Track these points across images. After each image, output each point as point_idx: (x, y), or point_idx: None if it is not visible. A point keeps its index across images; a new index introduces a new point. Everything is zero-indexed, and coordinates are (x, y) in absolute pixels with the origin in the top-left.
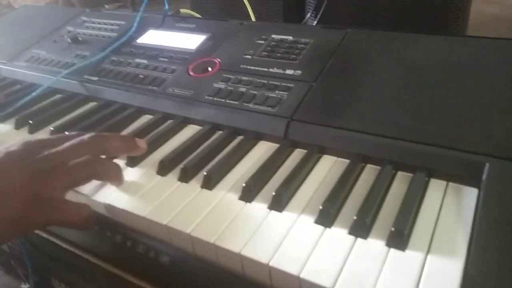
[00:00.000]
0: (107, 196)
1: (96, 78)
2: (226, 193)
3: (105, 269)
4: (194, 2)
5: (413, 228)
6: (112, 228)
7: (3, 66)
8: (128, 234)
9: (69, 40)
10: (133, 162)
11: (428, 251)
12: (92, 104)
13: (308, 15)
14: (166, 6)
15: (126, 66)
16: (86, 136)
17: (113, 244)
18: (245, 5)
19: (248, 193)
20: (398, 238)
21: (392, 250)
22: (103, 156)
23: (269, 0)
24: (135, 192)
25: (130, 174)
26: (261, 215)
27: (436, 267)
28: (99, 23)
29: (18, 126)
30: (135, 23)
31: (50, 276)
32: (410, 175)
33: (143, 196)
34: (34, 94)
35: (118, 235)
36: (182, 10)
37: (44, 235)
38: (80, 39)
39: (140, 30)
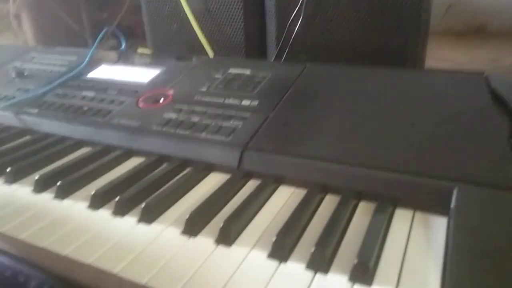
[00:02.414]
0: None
1: (36, 111)
2: (167, 227)
3: None
4: (155, 42)
5: (379, 261)
6: (25, 273)
7: None
8: (43, 279)
9: (13, 75)
10: (62, 194)
11: (396, 287)
12: (27, 138)
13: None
14: (123, 44)
15: (71, 99)
16: None
17: None
18: (203, 44)
19: (192, 226)
20: (362, 272)
21: (356, 285)
22: None
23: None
24: (60, 228)
25: (58, 208)
26: (206, 251)
27: None
28: (49, 59)
29: None
30: (87, 58)
31: None
32: (373, 204)
33: (68, 233)
34: None
35: (32, 281)
36: (140, 50)
37: None
38: (25, 73)
39: (93, 66)
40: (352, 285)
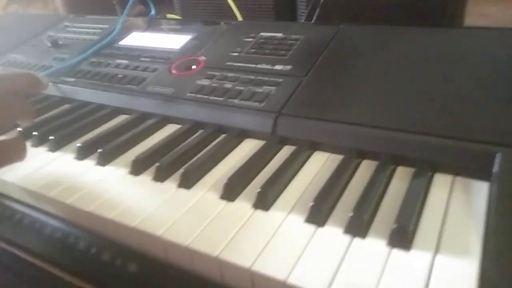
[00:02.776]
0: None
1: (72, 79)
2: (206, 192)
3: (68, 282)
4: (182, 8)
5: (418, 226)
6: (74, 235)
7: None
8: (91, 240)
9: (49, 44)
10: (104, 161)
11: (436, 251)
12: (66, 106)
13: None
14: (152, 11)
15: (105, 67)
16: None
17: (77, 253)
18: (232, 8)
19: (230, 191)
20: (402, 236)
21: (394, 250)
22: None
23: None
24: (103, 193)
25: (101, 173)
26: (244, 215)
27: (446, 268)
28: (82, 27)
29: None
30: (118, 25)
31: None
32: (412, 169)
33: (112, 198)
34: None
35: (81, 242)
36: (169, 15)
37: (3, 244)
38: (60, 42)
39: (124, 33)
40: (391, 250)
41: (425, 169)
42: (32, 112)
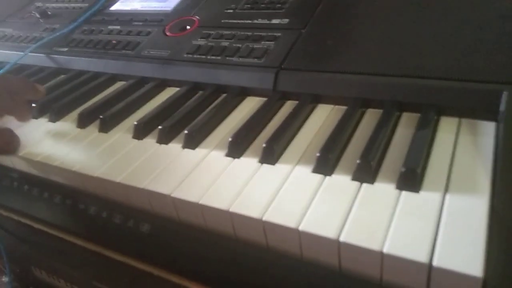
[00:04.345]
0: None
1: (66, 49)
2: (211, 151)
3: (82, 247)
4: None
5: (426, 168)
6: (84, 201)
7: None
8: (102, 205)
9: (38, 15)
10: (106, 127)
11: (446, 191)
12: (62, 77)
13: None
14: None
15: (98, 34)
16: None
17: (88, 218)
18: None
19: (235, 149)
20: (410, 178)
21: (404, 192)
22: None
23: None
24: (109, 157)
25: (104, 139)
26: (252, 170)
27: (457, 206)
28: None
29: None
30: None
31: (30, 265)
32: (417, 115)
33: (118, 162)
34: (1, 71)
35: (91, 207)
36: None
37: (15, 217)
38: (49, 13)
39: None
40: (400, 193)
41: (431, 113)
42: (27, 112)
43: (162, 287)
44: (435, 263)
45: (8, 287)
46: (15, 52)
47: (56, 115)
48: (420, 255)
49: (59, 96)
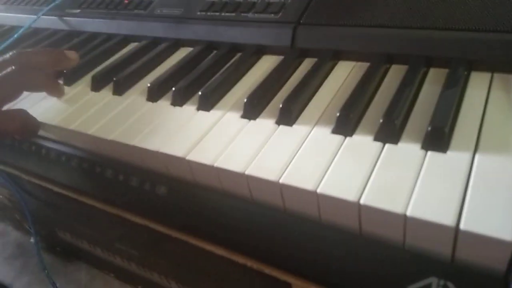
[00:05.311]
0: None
1: (78, 11)
2: (226, 112)
3: (102, 210)
4: None
5: (454, 127)
6: (100, 164)
7: None
8: (118, 168)
9: None
10: (119, 89)
11: (475, 151)
12: (75, 40)
13: None
14: None
15: None
16: (8, 54)
17: (105, 181)
18: None
19: (251, 109)
20: (437, 138)
21: (430, 153)
22: None
23: None
24: (123, 121)
25: (118, 102)
26: (268, 132)
27: (487, 167)
28: None
29: None
30: None
31: (54, 227)
32: (445, 70)
33: (132, 125)
34: (15, 36)
35: (108, 170)
36: None
37: (36, 181)
38: None
39: None
40: (426, 153)
41: (460, 68)
42: (55, 87)
43: (181, 248)
44: (462, 226)
45: (36, 248)
46: (28, 16)
47: (70, 79)
48: (446, 218)
49: None
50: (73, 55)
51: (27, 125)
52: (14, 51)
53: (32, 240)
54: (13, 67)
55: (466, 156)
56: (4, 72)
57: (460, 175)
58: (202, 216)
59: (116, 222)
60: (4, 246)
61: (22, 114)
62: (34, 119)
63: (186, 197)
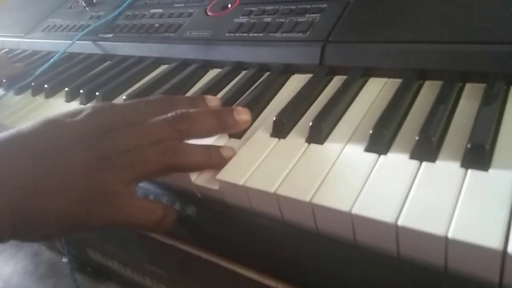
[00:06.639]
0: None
1: (111, 35)
2: (255, 132)
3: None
4: None
5: (495, 144)
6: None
7: (21, 40)
8: (147, 188)
9: (84, 4)
10: None
11: None
12: (107, 63)
13: None
14: None
15: (141, 19)
16: (171, 114)
17: None
18: None
19: (280, 128)
20: (478, 155)
21: (470, 171)
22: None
23: None
24: None
25: None
26: (298, 150)
27: None
28: None
29: (34, 93)
30: None
31: (85, 247)
32: (483, 85)
33: None
34: (52, 60)
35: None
36: None
37: None
38: (94, 1)
39: None
40: (466, 171)
41: (498, 82)
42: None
43: (210, 270)
44: (510, 249)
45: (68, 267)
46: (63, 41)
47: (103, 101)
48: (491, 241)
49: (105, 82)
50: (244, 115)
51: (162, 223)
52: (178, 111)
53: (64, 259)
54: (172, 141)
55: (509, 174)
56: (161, 146)
57: (504, 195)
58: (230, 237)
59: (146, 243)
60: (37, 265)
61: (161, 211)
62: (170, 214)
63: (215, 217)
